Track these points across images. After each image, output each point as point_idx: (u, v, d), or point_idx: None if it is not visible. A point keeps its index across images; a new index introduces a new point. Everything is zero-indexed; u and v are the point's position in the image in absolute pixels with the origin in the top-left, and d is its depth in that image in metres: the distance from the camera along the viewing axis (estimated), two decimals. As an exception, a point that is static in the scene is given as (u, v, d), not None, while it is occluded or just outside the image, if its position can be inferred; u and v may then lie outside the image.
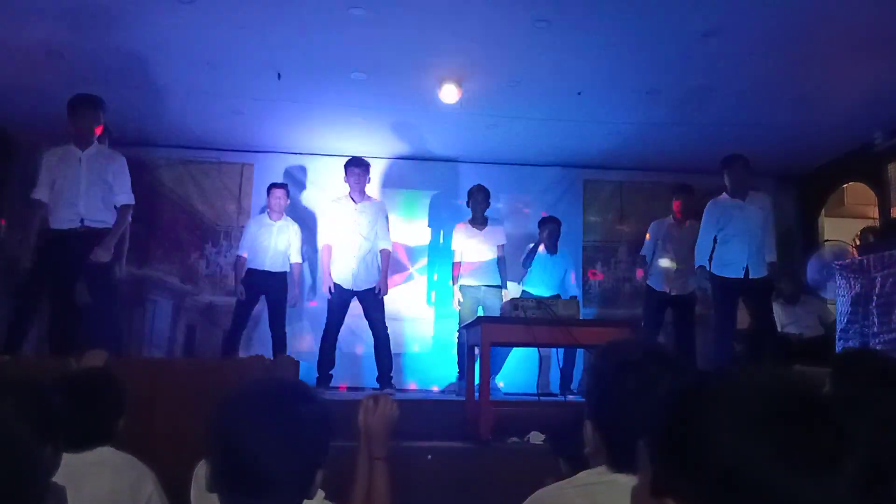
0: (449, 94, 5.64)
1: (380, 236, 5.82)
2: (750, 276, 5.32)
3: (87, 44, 5.06)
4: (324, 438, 1.37)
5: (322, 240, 6.10)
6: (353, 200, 5.80)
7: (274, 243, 6.08)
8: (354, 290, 5.72)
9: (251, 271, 6.04)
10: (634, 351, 1.51)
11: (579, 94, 5.77)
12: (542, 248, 6.33)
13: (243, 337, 6.13)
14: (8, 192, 6.71)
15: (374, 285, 5.73)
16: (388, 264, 5.89)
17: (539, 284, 6.33)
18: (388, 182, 7.47)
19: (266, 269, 6.03)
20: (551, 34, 4.84)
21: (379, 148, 7.21)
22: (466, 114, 6.15)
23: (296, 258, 6.18)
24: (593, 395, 1.52)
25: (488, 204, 6.29)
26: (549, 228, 6.37)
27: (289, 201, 6.30)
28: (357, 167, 5.79)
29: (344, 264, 5.73)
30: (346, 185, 5.84)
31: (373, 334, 5.72)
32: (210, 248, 7.27)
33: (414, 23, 4.75)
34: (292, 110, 6.28)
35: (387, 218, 5.96)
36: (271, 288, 6.04)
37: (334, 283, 5.74)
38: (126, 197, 4.65)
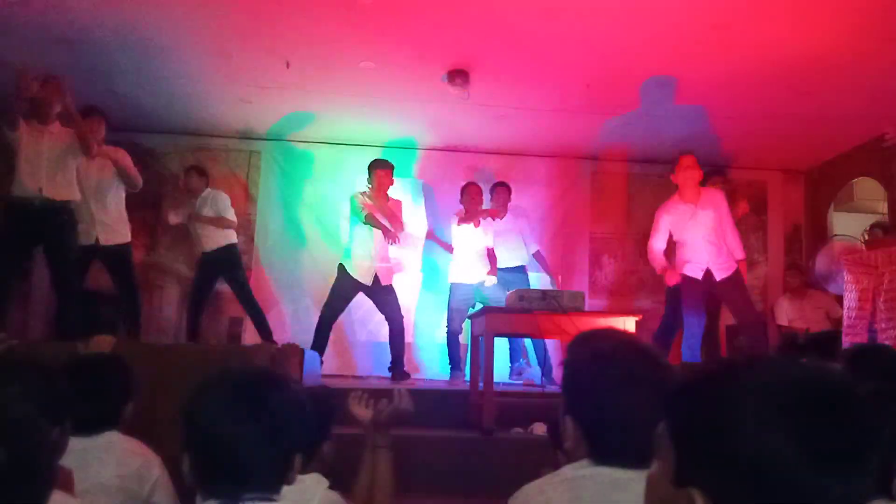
0: (457, 84, 5.63)
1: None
2: (713, 278, 5.25)
3: (96, 31, 5.07)
4: (298, 424, 1.38)
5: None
6: (381, 199, 5.88)
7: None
8: (368, 283, 5.80)
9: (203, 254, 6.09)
10: (608, 342, 1.50)
11: (588, 85, 5.76)
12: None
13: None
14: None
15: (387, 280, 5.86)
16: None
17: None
18: (396, 171, 7.45)
19: (210, 248, 6.02)
20: (559, 25, 4.82)
21: (386, 137, 7.21)
22: (474, 104, 6.13)
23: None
24: (569, 388, 1.51)
25: (482, 200, 6.28)
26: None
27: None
28: (388, 168, 5.92)
29: (365, 260, 5.83)
30: (374, 183, 5.93)
31: (391, 326, 5.85)
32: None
33: (422, 12, 4.74)
34: (300, 99, 6.28)
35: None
36: (220, 266, 6.05)
37: (351, 277, 5.79)
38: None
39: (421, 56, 5.38)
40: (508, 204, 6.48)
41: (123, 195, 5.31)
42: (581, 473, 1.41)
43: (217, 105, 6.49)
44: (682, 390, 0.87)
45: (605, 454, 1.38)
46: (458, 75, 5.59)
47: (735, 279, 5.32)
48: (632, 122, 6.50)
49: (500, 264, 6.39)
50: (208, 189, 6.15)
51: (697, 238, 5.27)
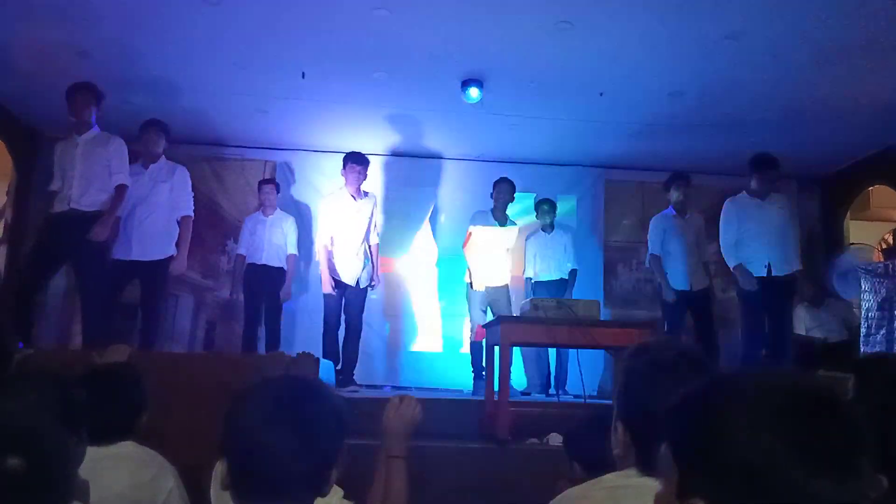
0: (471, 93, 5.64)
1: (371, 231, 5.77)
2: (773, 274, 5.14)
3: (115, 44, 5.13)
4: (338, 436, 1.37)
5: (323, 236, 5.76)
6: (353, 197, 5.69)
7: (269, 238, 6.11)
8: (349, 285, 5.67)
9: (251, 266, 6.08)
10: (667, 352, 1.49)
11: (601, 94, 5.75)
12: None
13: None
14: (34, 186, 6.82)
15: (360, 280, 5.69)
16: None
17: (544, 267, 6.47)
18: (409, 180, 7.49)
19: (264, 263, 6.06)
20: (574, 35, 4.82)
21: (400, 146, 7.23)
22: (488, 113, 6.14)
23: (291, 250, 6.19)
24: (624, 396, 1.50)
25: (512, 198, 6.19)
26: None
27: (278, 195, 6.36)
28: (358, 164, 5.63)
29: (344, 260, 5.66)
30: (343, 178, 5.70)
31: (348, 327, 5.66)
32: (232, 244, 7.30)
33: (436, 23, 4.76)
34: (315, 109, 6.31)
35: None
36: (270, 282, 6.05)
37: (333, 280, 5.65)
38: (121, 177, 4.67)
39: (434, 66, 5.40)
40: (554, 220, 6.55)
41: (167, 211, 5.07)
42: (627, 482, 1.39)
43: (233, 115, 6.54)
44: (679, 406, 0.89)
45: (653, 465, 1.35)
46: (471, 84, 5.60)
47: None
48: (646, 131, 6.50)
49: (542, 276, 6.41)
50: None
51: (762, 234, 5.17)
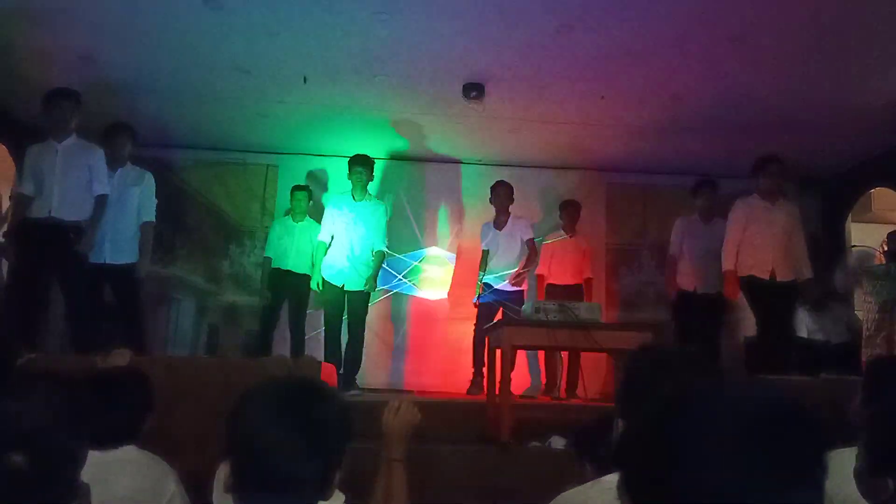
0: (472, 97, 5.64)
1: (375, 237, 5.71)
2: (777, 280, 5.14)
3: (118, 49, 5.15)
4: (342, 439, 1.37)
5: (323, 234, 5.74)
6: (353, 199, 5.67)
7: (296, 244, 6.13)
8: (346, 289, 5.62)
9: (276, 271, 6.12)
10: (669, 353, 1.51)
11: (602, 97, 5.76)
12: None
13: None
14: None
15: (362, 287, 5.63)
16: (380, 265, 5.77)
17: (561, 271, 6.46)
18: (411, 184, 7.49)
19: (289, 269, 6.09)
20: (575, 38, 4.83)
21: (402, 150, 7.23)
22: (489, 117, 6.14)
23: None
24: (626, 395, 1.51)
25: (511, 200, 6.21)
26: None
27: (311, 203, 6.38)
28: (358, 166, 5.63)
29: (335, 261, 5.63)
30: (350, 182, 5.71)
31: (351, 332, 5.60)
32: (234, 248, 7.33)
33: (438, 27, 4.76)
34: (317, 113, 6.32)
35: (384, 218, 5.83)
36: (294, 288, 6.07)
37: (325, 282, 5.60)
38: (102, 187, 4.69)
39: (436, 69, 5.41)
40: (577, 225, 6.58)
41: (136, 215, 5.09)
42: None
43: (235, 120, 6.54)
44: (629, 435, 0.87)
45: None
46: (473, 88, 5.60)
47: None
48: (648, 135, 6.50)
49: (557, 281, 6.41)
50: None
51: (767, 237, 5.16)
